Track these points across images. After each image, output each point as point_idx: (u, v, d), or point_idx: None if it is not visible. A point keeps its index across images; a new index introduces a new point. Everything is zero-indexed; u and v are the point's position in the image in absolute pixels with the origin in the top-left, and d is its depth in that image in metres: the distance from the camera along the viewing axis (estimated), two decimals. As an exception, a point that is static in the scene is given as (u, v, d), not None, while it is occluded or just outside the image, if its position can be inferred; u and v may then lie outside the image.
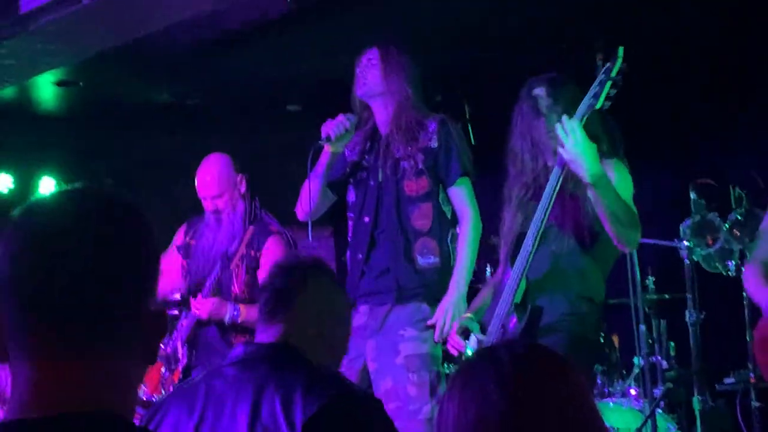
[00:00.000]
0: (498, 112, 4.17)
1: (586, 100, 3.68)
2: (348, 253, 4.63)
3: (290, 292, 2.70)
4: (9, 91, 6.91)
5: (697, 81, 6.63)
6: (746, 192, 5.68)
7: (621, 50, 3.70)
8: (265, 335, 2.67)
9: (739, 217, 5.65)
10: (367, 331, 4.41)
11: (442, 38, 6.26)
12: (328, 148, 4.56)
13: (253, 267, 4.97)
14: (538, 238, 3.73)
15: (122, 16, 5.43)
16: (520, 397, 1.58)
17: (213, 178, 5.04)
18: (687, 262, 5.57)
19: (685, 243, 5.59)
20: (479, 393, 1.60)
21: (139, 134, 8.20)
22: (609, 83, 3.64)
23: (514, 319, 3.79)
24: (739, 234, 5.64)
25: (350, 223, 4.62)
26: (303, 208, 4.60)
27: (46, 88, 7.05)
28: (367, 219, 4.52)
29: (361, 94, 4.59)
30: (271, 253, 4.96)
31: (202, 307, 4.91)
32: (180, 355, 5.01)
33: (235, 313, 4.87)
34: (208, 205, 5.07)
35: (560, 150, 3.65)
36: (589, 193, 3.69)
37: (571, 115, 3.74)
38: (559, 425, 1.58)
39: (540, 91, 3.92)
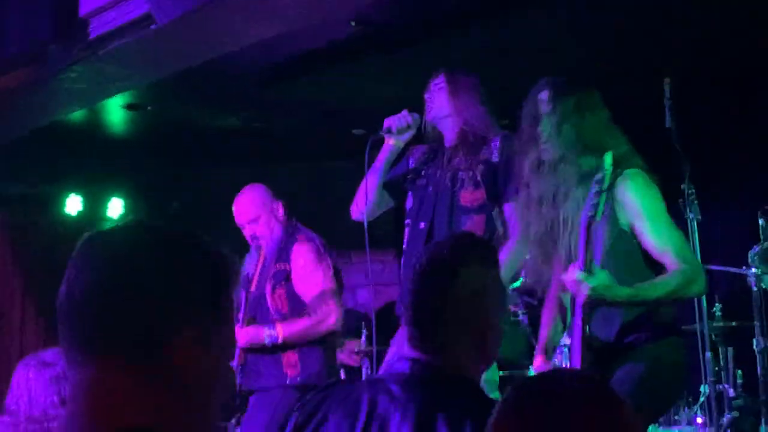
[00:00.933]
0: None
1: (585, 212, 3.55)
2: (402, 260, 4.55)
3: (437, 299, 2.53)
4: (79, 115, 7.03)
5: (765, 105, 6.56)
6: (816, 218, 5.59)
7: (608, 157, 3.52)
8: (421, 350, 2.54)
9: (809, 244, 5.56)
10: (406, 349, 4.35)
11: (508, 64, 6.26)
12: (388, 140, 4.57)
13: (284, 279, 4.97)
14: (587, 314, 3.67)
15: (190, 41, 5.51)
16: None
17: (248, 203, 5.09)
18: (755, 289, 5.49)
19: (754, 270, 5.51)
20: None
21: (206, 157, 8.30)
22: (603, 195, 3.52)
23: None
24: (808, 261, 5.54)
25: (406, 229, 4.55)
26: (358, 205, 4.61)
27: (115, 111, 7.16)
28: (422, 225, 4.47)
29: (430, 118, 4.60)
30: (299, 259, 4.97)
31: (239, 337, 4.91)
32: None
33: (274, 334, 4.85)
34: (246, 232, 5.09)
35: (579, 297, 3.53)
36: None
37: (567, 124, 3.67)
38: None
39: (543, 96, 3.77)
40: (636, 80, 6.28)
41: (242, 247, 5.21)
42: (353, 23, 5.56)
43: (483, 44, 5.99)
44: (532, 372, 3.88)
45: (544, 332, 3.99)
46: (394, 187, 4.67)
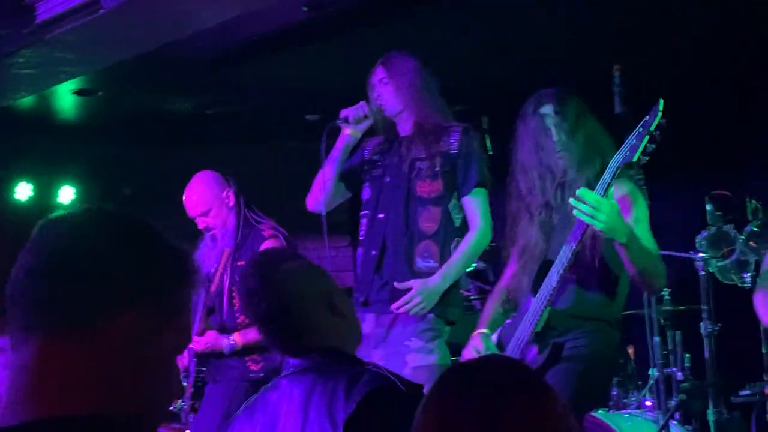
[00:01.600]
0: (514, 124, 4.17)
1: (622, 152, 3.59)
2: (360, 250, 4.56)
3: (270, 307, 2.65)
4: (28, 101, 6.96)
5: (713, 93, 6.63)
6: (762, 203, 5.66)
7: (661, 103, 3.56)
8: (292, 351, 2.68)
9: (755, 229, 5.63)
10: (373, 340, 4.36)
11: (462, 50, 6.29)
12: (345, 130, 4.55)
13: None
14: (559, 283, 3.73)
15: (141, 25, 5.47)
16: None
17: (197, 196, 5.05)
18: (702, 273, 5.54)
19: (701, 254, 5.57)
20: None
21: (159, 143, 8.25)
22: (647, 137, 3.54)
23: (534, 350, 3.79)
24: (755, 245, 5.62)
25: (364, 220, 4.55)
26: (315, 196, 4.59)
27: (65, 97, 7.10)
28: (381, 215, 4.47)
29: (386, 114, 4.57)
30: None
31: (198, 342, 4.92)
32: (190, 370, 5.02)
33: (232, 343, 4.90)
34: (199, 223, 5.07)
35: (593, 225, 3.56)
36: (620, 251, 3.66)
37: (579, 129, 3.81)
38: None
39: (547, 109, 3.87)
40: (585, 68, 6.35)
41: (197, 232, 5.20)
42: (305, 8, 5.55)
43: (438, 29, 6.01)
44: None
45: (489, 308, 4.09)
46: (349, 177, 4.65)
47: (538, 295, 3.76)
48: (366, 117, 4.50)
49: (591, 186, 3.66)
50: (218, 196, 5.05)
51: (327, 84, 6.66)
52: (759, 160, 6.53)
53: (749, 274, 5.61)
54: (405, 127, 4.53)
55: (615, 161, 3.61)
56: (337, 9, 5.62)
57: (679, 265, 5.81)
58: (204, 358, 4.99)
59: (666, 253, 5.61)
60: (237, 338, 4.90)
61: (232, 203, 5.05)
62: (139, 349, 1.44)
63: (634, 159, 3.57)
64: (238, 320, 4.94)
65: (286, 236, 5.04)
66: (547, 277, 3.74)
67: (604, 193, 3.59)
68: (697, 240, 5.71)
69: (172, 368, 1.50)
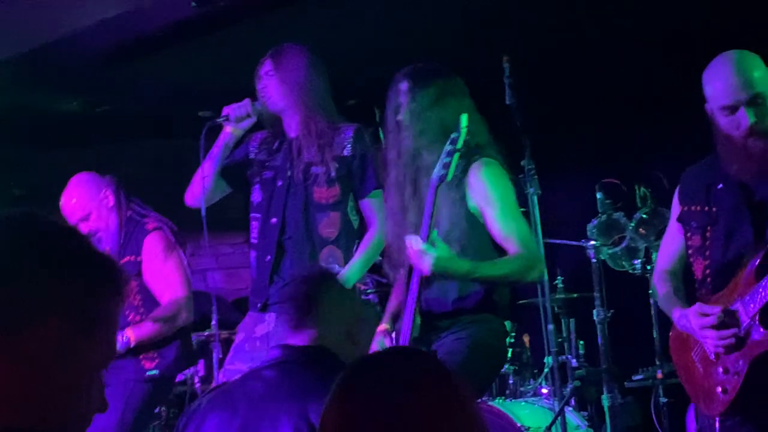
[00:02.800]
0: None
1: (437, 172, 3.60)
2: (253, 254, 4.51)
3: (312, 298, 2.93)
4: None
5: (601, 83, 6.73)
6: (651, 191, 5.76)
7: (464, 119, 3.59)
8: (297, 339, 2.83)
9: (645, 216, 5.73)
10: (274, 339, 4.33)
11: (353, 42, 6.28)
12: (227, 128, 4.50)
13: (135, 273, 4.86)
14: (423, 287, 3.69)
15: (26, 22, 5.36)
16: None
17: (74, 202, 4.91)
18: (594, 261, 5.63)
19: (592, 242, 5.66)
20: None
21: (48, 144, 8.10)
22: (457, 154, 3.56)
23: None
24: (644, 232, 5.71)
25: (255, 223, 4.50)
26: (194, 192, 4.55)
27: (-52, 97, 6.93)
28: (274, 220, 4.43)
29: (270, 108, 4.53)
30: (151, 251, 4.85)
31: None
32: None
33: (125, 339, 4.72)
34: (82, 229, 4.88)
35: (422, 268, 3.56)
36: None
37: (430, 111, 3.77)
38: None
39: (403, 86, 3.85)
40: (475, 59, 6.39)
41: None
42: (194, 3, 5.49)
43: (329, 20, 5.99)
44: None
45: (393, 303, 4.05)
46: (231, 174, 4.60)
47: (407, 303, 3.71)
48: (249, 115, 4.46)
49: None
50: (96, 198, 4.91)
51: (219, 79, 6.59)
52: (647, 147, 6.65)
53: (639, 260, 5.70)
54: (291, 123, 4.49)
55: (432, 182, 3.61)
56: (226, 3, 5.57)
57: (572, 254, 5.91)
58: None
59: (558, 242, 5.71)
60: (129, 334, 4.72)
61: (111, 203, 4.91)
62: (58, 360, 1.40)
63: (449, 178, 3.58)
64: (128, 318, 4.82)
65: (173, 229, 4.94)
66: (409, 284, 3.71)
67: (430, 219, 3.58)
68: (588, 228, 5.79)
69: (93, 382, 1.46)
